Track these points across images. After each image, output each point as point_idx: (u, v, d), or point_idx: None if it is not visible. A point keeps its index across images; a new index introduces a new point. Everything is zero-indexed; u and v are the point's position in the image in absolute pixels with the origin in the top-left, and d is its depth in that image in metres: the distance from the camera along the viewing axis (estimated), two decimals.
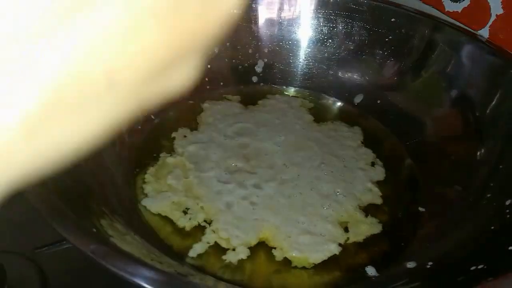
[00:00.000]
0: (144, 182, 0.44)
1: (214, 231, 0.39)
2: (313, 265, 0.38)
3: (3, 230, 0.42)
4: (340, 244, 0.39)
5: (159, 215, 0.41)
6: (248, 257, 0.38)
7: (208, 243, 0.38)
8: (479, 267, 0.31)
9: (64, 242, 0.38)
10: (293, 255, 0.38)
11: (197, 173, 0.45)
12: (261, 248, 0.39)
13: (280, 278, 0.37)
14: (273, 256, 0.38)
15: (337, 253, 0.39)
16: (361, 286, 0.36)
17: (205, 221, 0.40)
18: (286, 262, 0.38)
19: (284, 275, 0.37)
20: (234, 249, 0.38)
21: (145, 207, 0.41)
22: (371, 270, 0.37)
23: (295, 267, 0.37)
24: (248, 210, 0.41)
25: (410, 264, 0.37)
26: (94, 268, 0.24)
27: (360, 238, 0.40)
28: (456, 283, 0.31)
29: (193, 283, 0.26)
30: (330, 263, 0.38)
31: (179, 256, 0.37)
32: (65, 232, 0.24)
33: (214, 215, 0.41)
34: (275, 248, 0.39)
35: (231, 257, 0.37)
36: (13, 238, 0.41)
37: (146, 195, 0.42)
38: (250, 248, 0.38)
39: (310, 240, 0.39)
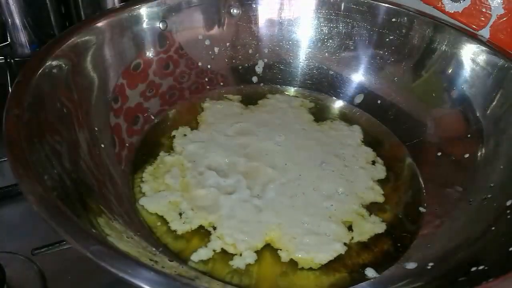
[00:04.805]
0: (142, 181, 0.44)
1: (219, 237, 0.39)
2: (320, 265, 0.38)
3: (3, 230, 0.42)
4: (345, 244, 0.39)
5: (156, 214, 0.41)
6: (255, 261, 0.37)
7: (214, 250, 0.38)
8: (480, 268, 0.31)
9: (64, 242, 0.38)
10: (299, 256, 0.38)
11: (195, 172, 0.45)
12: (267, 250, 0.39)
13: (287, 281, 0.36)
14: (279, 258, 0.38)
15: (343, 252, 0.39)
16: (365, 286, 0.36)
17: (201, 225, 0.40)
18: (293, 263, 0.38)
19: (291, 277, 0.37)
20: (241, 254, 0.38)
21: (142, 206, 0.41)
22: (371, 272, 0.37)
23: (302, 268, 0.37)
24: (251, 213, 0.41)
25: (411, 265, 0.37)
26: (94, 269, 0.24)
27: (364, 237, 0.40)
28: (456, 284, 0.31)
29: (194, 286, 0.26)
30: (335, 263, 0.38)
31: (178, 256, 0.37)
32: (64, 233, 0.24)
33: (217, 219, 0.40)
34: (280, 249, 0.38)
35: (238, 263, 0.37)
36: (13, 238, 0.41)
37: (143, 194, 0.42)
38: (256, 251, 0.38)
39: (315, 240, 0.39)
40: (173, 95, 0.55)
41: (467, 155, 0.45)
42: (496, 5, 0.49)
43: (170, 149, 0.48)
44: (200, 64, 0.58)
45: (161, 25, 0.53)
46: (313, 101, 0.59)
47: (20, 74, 0.36)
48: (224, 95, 0.58)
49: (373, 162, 0.49)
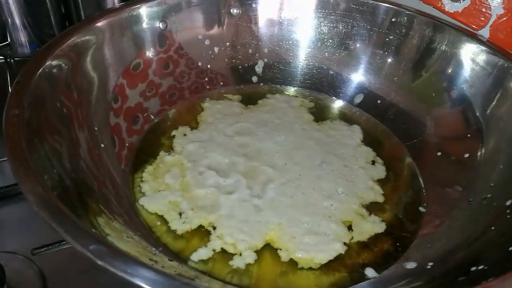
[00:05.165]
0: (142, 181, 0.44)
1: (219, 237, 0.39)
2: (320, 265, 0.38)
3: (3, 230, 0.42)
4: (345, 243, 0.39)
5: (156, 214, 0.41)
6: (255, 261, 0.37)
7: (214, 250, 0.38)
8: (480, 267, 0.31)
9: (64, 242, 0.38)
10: (299, 256, 0.38)
11: (195, 172, 0.45)
12: (267, 250, 0.39)
13: (287, 281, 0.36)
14: (279, 258, 0.38)
15: (343, 252, 0.39)
16: (365, 286, 0.36)
17: (201, 225, 0.40)
18: (292, 263, 0.38)
19: (291, 277, 0.37)
20: (241, 254, 0.38)
21: (142, 205, 0.41)
22: (371, 272, 0.37)
23: (302, 268, 0.37)
24: (251, 212, 0.41)
25: (411, 265, 0.37)
26: (93, 268, 0.24)
27: (364, 237, 0.40)
28: (456, 283, 0.31)
29: (194, 285, 0.26)
30: (335, 263, 0.38)
31: (178, 256, 0.37)
32: (64, 233, 0.24)
33: (217, 219, 0.40)
34: (280, 249, 0.39)
35: (238, 262, 0.37)
36: (13, 238, 0.41)
37: (143, 194, 0.42)
38: (256, 251, 0.38)
39: (315, 240, 0.39)
40: (173, 95, 0.55)
41: (467, 155, 0.45)
42: (496, 5, 0.49)
43: (170, 149, 0.48)
44: (200, 64, 0.58)
45: (161, 25, 0.53)
46: (313, 101, 0.59)
47: (20, 74, 0.36)
48: (224, 95, 0.58)
49: (373, 162, 0.49)
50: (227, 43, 0.59)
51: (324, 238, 0.39)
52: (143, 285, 0.23)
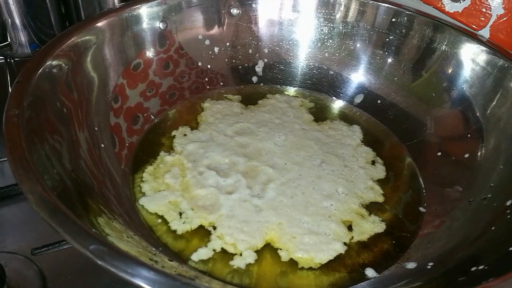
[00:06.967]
0: (142, 181, 0.44)
1: (219, 237, 0.39)
2: (320, 265, 0.38)
3: (3, 230, 0.42)
4: (345, 243, 0.39)
5: (156, 214, 0.41)
6: (255, 261, 0.37)
7: (214, 250, 0.38)
8: (480, 267, 0.31)
9: (64, 242, 0.38)
10: (299, 255, 0.38)
11: (195, 172, 0.45)
12: (267, 249, 0.39)
13: (287, 280, 0.36)
14: (279, 257, 0.38)
15: (343, 252, 0.39)
16: (365, 286, 0.36)
17: (201, 225, 0.40)
18: (293, 263, 0.38)
19: (291, 277, 0.37)
20: (241, 254, 0.38)
21: (142, 205, 0.41)
22: (371, 272, 0.37)
23: (302, 268, 0.37)
24: (251, 212, 0.41)
25: (411, 265, 0.37)
26: (93, 269, 0.24)
27: (364, 237, 0.40)
28: (456, 283, 0.31)
29: (194, 285, 0.26)
30: (335, 263, 0.38)
31: (178, 256, 0.37)
32: (64, 233, 0.24)
33: (217, 219, 0.40)
34: (280, 249, 0.39)
35: (238, 262, 0.37)
36: (13, 238, 0.41)
37: (144, 194, 0.42)
38: (256, 251, 0.38)
39: (315, 240, 0.39)
40: (173, 95, 0.55)
41: (467, 155, 0.45)
42: (496, 5, 0.49)
43: (170, 149, 0.48)
44: (200, 64, 0.58)
45: (161, 25, 0.53)
46: (313, 101, 0.59)
47: (20, 74, 0.36)
48: (224, 95, 0.58)
49: (373, 162, 0.49)
50: (227, 43, 0.59)
51: (324, 238, 0.39)
52: (143, 285, 0.23)
